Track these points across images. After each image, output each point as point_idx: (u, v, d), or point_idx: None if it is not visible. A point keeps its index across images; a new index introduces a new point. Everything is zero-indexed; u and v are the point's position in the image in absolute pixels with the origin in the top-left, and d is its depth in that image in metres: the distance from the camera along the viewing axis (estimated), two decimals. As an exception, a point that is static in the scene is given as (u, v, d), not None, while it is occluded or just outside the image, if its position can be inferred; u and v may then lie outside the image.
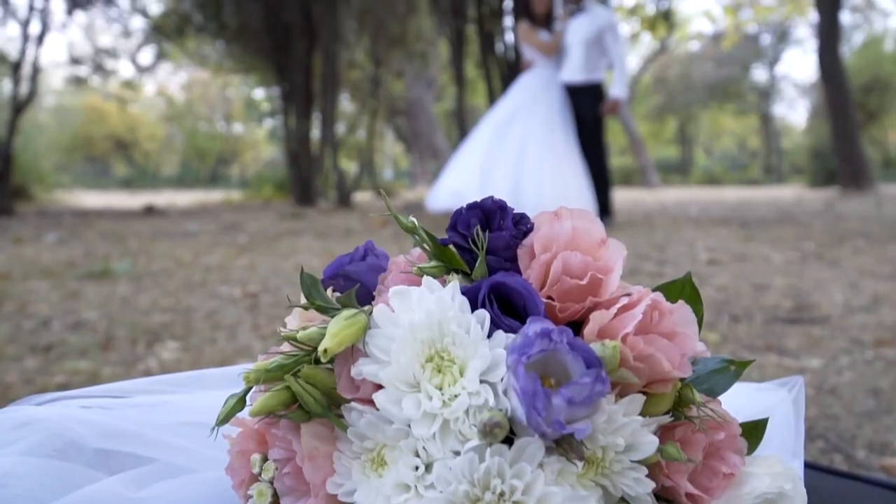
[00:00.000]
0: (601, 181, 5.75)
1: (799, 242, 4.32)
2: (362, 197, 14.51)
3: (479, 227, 0.45)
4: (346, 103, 21.65)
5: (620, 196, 13.60)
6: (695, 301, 0.46)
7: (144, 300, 2.77)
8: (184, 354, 1.99)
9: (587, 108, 5.72)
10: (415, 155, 26.92)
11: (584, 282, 0.43)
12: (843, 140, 10.70)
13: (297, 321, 0.50)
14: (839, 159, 11.08)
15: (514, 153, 5.46)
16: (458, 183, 5.50)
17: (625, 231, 5.29)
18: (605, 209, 5.78)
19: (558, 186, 5.31)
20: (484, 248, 0.45)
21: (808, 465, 0.63)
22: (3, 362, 1.90)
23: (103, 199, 17.55)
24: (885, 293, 2.62)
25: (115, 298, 2.81)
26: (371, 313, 0.43)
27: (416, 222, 0.48)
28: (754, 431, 0.48)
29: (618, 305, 0.42)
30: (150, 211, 9.31)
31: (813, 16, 11.58)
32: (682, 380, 0.43)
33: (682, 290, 0.48)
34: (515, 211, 0.43)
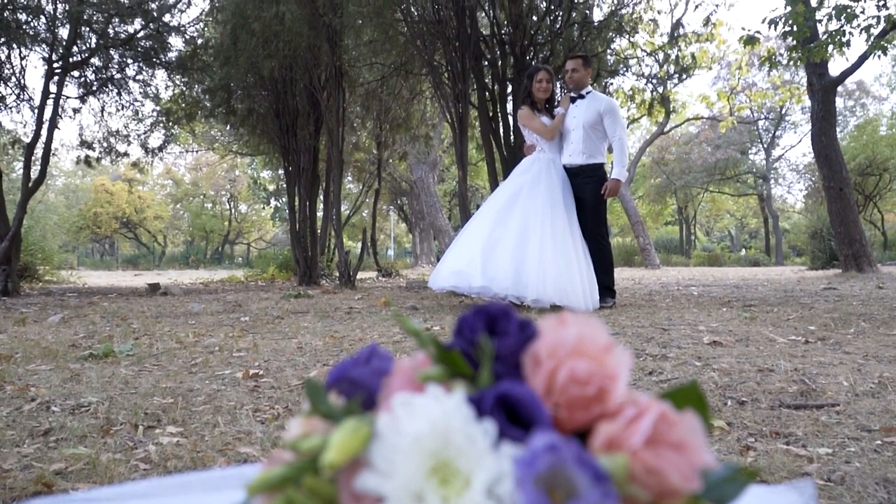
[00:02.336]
0: (603, 261, 5.78)
1: (802, 324, 4.29)
2: (365, 276, 14.56)
3: (484, 333, 0.46)
4: (350, 184, 21.98)
5: (622, 276, 13.64)
6: (701, 408, 0.46)
7: (146, 382, 2.74)
8: (184, 439, 1.96)
9: (588, 189, 5.80)
10: (417, 234, 27.14)
11: (590, 390, 0.43)
12: (842, 222, 10.78)
13: (301, 427, 0.50)
14: (838, 241, 11.14)
15: (516, 234, 5.50)
16: (461, 263, 5.52)
17: (627, 312, 5.28)
18: (607, 289, 5.78)
19: (560, 267, 5.33)
20: (489, 354, 0.45)
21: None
22: (1, 448, 1.87)
23: (108, 279, 17.61)
24: (890, 377, 2.59)
25: (117, 380, 2.78)
26: (375, 422, 0.42)
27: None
28: (766, 544, 0.47)
29: (625, 415, 0.41)
30: (154, 290, 9.33)
31: (808, 100, 11.84)
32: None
33: (688, 396, 0.48)
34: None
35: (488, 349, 0.45)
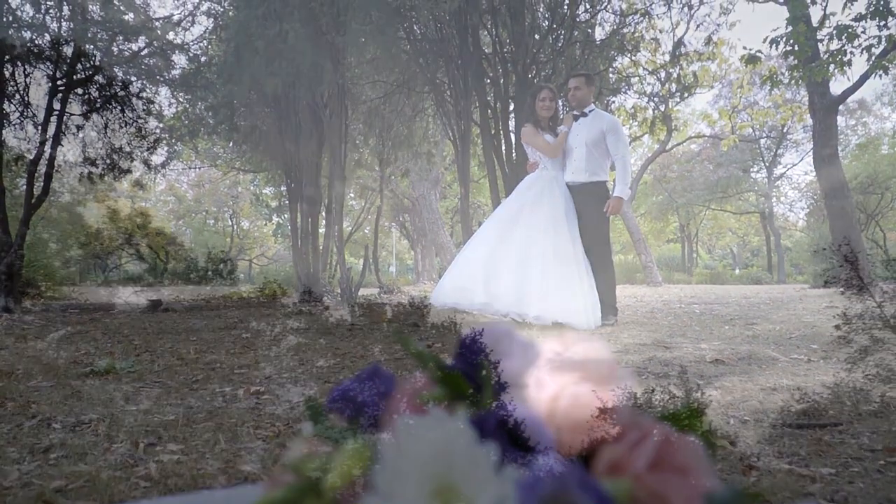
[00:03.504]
0: (605, 279, 5.78)
1: (804, 343, 4.29)
2: (367, 293, 14.54)
3: (486, 354, 0.46)
4: (352, 201, 22.02)
5: (624, 293, 13.59)
6: (704, 429, 0.46)
7: (147, 399, 2.74)
8: (184, 457, 1.95)
9: (591, 207, 5.81)
10: (419, 251, 27.16)
11: (593, 413, 0.43)
12: (844, 240, 10.77)
13: (302, 448, 0.49)
14: (840, 259, 11.12)
15: (518, 251, 5.51)
16: (463, 279, 5.53)
17: (630, 329, 5.26)
18: (609, 307, 5.77)
19: (562, 285, 5.33)
20: (492, 376, 0.45)
21: None
22: (2, 465, 1.86)
23: (110, 295, 17.60)
24: (894, 397, 2.58)
25: (118, 397, 2.78)
26: (377, 444, 0.42)
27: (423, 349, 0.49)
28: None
29: (628, 439, 0.41)
30: (155, 307, 9.32)
31: (809, 119, 11.87)
32: (693, 515, 0.42)
33: (690, 418, 0.48)
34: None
35: (490, 371, 0.45)
